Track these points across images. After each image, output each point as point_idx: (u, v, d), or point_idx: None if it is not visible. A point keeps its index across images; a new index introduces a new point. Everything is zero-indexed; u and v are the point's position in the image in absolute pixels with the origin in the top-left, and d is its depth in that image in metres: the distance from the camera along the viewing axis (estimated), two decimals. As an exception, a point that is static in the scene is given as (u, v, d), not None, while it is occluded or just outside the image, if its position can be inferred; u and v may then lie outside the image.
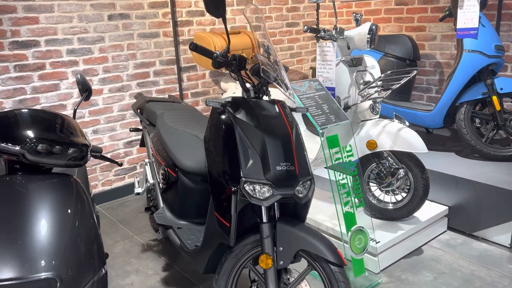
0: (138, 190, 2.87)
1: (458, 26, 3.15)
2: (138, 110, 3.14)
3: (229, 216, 1.91)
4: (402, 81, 2.66)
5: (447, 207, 3.01)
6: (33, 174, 1.40)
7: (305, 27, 2.68)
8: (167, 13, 3.89)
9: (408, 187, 2.77)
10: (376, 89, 2.70)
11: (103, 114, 3.68)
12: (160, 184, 2.67)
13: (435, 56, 4.10)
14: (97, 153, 1.87)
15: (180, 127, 2.64)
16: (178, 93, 4.09)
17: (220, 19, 2.02)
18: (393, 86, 2.71)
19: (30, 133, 1.36)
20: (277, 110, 2.04)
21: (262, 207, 1.88)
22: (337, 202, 2.38)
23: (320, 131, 2.37)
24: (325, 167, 2.92)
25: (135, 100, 3.62)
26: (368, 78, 2.87)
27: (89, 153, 1.57)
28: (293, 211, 2.01)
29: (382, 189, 2.82)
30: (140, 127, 3.35)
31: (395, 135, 2.66)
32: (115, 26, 3.62)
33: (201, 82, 4.24)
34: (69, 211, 1.36)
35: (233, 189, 1.86)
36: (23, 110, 1.40)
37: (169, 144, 2.54)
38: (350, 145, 2.48)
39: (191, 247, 2.26)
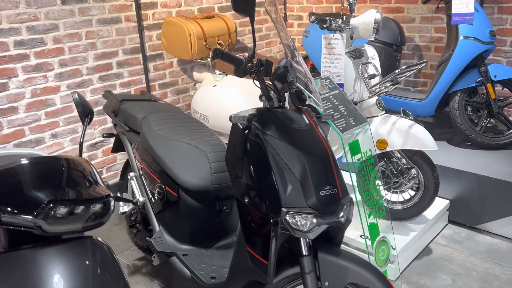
0: (123, 209, 2.49)
1: (453, 11, 3.01)
2: (113, 113, 2.70)
3: (266, 252, 1.63)
4: (409, 73, 2.48)
5: (448, 201, 2.94)
6: (44, 245, 1.02)
7: (312, 17, 2.39)
8: (129, -5, 3.39)
9: (417, 186, 2.63)
10: (386, 84, 2.49)
11: (62, 115, 3.18)
12: (154, 203, 2.31)
13: (413, 39, 3.98)
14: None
15: (173, 135, 2.28)
16: (144, 85, 3.64)
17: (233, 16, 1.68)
18: (400, 79, 2.52)
19: (42, 195, 0.98)
20: (307, 121, 1.77)
21: (302, 238, 1.62)
22: (362, 213, 2.18)
23: (343, 137, 2.13)
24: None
25: (103, 99, 3.16)
26: (371, 70, 2.66)
27: (113, 205, 1.21)
28: (329, 234, 1.78)
29: (392, 189, 2.66)
30: (115, 132, 2.91)
31: (406, 133, 2.49)
32: (70, 11, 3.08)
33: (169, 71, 3.81)
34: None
35: (271, 221, 1.58)
36: (22, 163, 1.01)
37: (165, 157, 2.18)
38: (370, 150, 2.27)
39: (208, 280, 1.96)
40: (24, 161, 1.02)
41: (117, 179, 3.59)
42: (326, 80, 2.32)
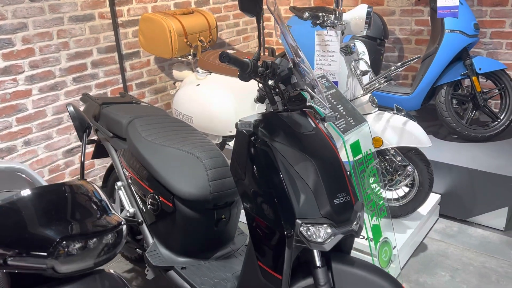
0: (112, 221, 2.33)
1: (439, 4, 2.99)
2: (93, 118, 2.53)
3: (279, 266, 1.54)
4: (401, 69, 2.44)
5: (439, 195, 2.94)
6: (53, 286, 0.89)
7: (306, 13, 2.29)
8: (102, -10, 3.19)
9: (411, 182, 2.61)
10: (380, 81, 2.44)
11: (35, 121, 2.96)
12: (146, 214, 2.17)
13: (394, 32, 3.97)
14: None
15: (164, 141, 2.14)
16: (121, 85, 3.45)
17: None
18: (392, 74, 2.48)
19: (52, 232, 0.84)
20: (313, 124, 1.68)
21: (315, 250, 1.54)
22: (365, 216, 2.12)
23: (345, 138, 2.06)
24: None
25: (81, 103, 2.95)
26: (363, 67, 2.60)
27: (126, 233, 1.08)
28: (339, 241, 1.71)
29: (386, 187, 2.62)
30: (95, 138, 2.73)
31: (401, 130, 2.45)
32: (39, 8, 2.86)
33: (146, 70, 3.64)
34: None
35: (285, 233, 1.49)
36: (23, 195, 0.87)
37: (157, 166, 2.04)
38: (370, 150, 2.21)
39: (212, 296, 1.85)
40: (25, 193, 0.88)
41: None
42: (322, 79, 2.24)
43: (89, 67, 3.20)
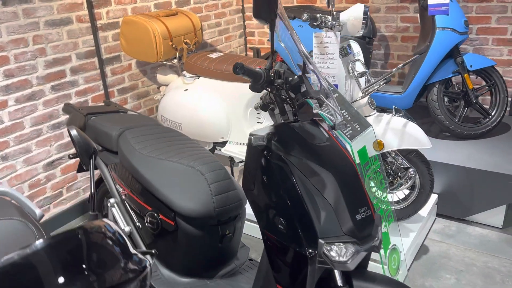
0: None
1: (430, 2, 2.95)
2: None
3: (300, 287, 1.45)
4: (395, 70, 2.39)
5: (436, 195, 2.91)
6: None
7: (305, 15, 2.20)
8: (79, -8, 3.00)
9: (412, 184, 2.56)
10: (380, 83, 2.38)
11: (12, 133, 2.76)
12: (143, 232, 2.03)
13: (379, 29, 3.92)
14: None
15: (160, 154, 2.01)
16: (102, 92, 3.28)
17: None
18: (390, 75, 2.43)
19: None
20: (326, 134, 1.59)
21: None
22: (374, 224, 2.05)
23: (353, 146, 1.98)
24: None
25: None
26: (359, 68, 2.53)
27: (150, 275, 0.96)
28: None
29: (388, 190, 2.57)
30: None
31: (401, 132, 2.40)
32: (13, 13, 2.66)
33: (128, 75, 3.47)
34: None
35: (307, 254, 1.40)
36: (36, 247, 0.74)
37: (155, 182, 1.91)
38: (376, 156, 2.14)
39: (223, 319, 1.74)
40: (40, 245, 0.75)
41: (79, 198, 3.23)
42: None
43: (68, 74, 3.02)
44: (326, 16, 2.30)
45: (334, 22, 2.28)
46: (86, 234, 0.83)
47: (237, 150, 2.94)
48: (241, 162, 3.11)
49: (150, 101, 3.69)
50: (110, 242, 0.90)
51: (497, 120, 3.11)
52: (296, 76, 1.57)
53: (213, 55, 2.99)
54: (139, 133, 2.18)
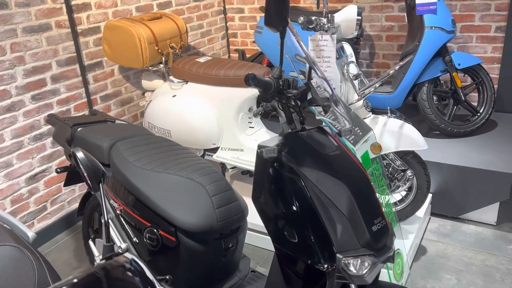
0: (99, 259, 2.08)
1: (418, 1, 2.94)
2: (66, 143, 2.25)
3: (317, 305, 1.40)
4: (392, 71, 2.37)
5: (430, 194, 2.91)
6: None
7: (301, 18, 2.14)
8: (58, -4, 2.87)
9: (409, 186, 2.55)
10: (375, 85, 2.35)
11: (-8, 147, 2.62)
12: (141, 249, 1.94)
13: (364, 28, 3.91)
14: None
15: (156, 166, 1.92)
16: (85, 99, 3.14)
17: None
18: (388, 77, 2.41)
19: None
20: (335, 142, 1.54)
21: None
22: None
23: (356, 151, 1.93)
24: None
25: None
26: (353, 70, 2.50)
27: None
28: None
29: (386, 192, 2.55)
30: (69, 164, 2.44)
31: (398, 134, 2.38)
32: (-12, 20, 2.51)
33: (110, 81, 3.34)
34: None
35: (325, 270, 1.34)
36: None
37: (153, 196, 1.82)
38: (377, 160, 2.11)
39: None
40: None
41: (64, 212, 3.10)
42: (319, 88, 2.10)
43: (48, 83, 2.88)
44: (321, 18, 2.25)
45: (329, 25, 2.24)
46: (107, 274, 0.76)
47: (229, 156, 2.86)
48: (232, 168, 3.04)
49: (134, 107, 3.57)
50: (130, 274, 0.83)
51: (486, 117, 3.14)
52: (303, 83, 1.51)
53: (201, 60, 2.91)
54: (131, 144, 2.08)
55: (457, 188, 2.83)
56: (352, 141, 1.95)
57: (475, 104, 3.22)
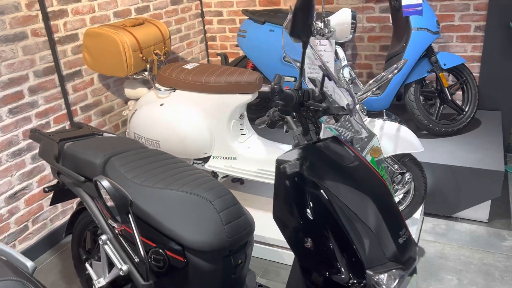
0: (100, 283, 1.95)
1: (404, 3, 2.96)
2: (54, 159, 2.11)
3: (346, 323, 1.34)
4: (391, 74, 2.35)
5: (417, 193, 2.92)
6: None
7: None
8: (33, 3, 2.70)
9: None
10: (373, 90, 2.33)
11: (-33, 167, 2.43)
12: (144, 270, 1.83)
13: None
14: None
15: (156, 183, 1.82)
16: (65, 111, 2.98)
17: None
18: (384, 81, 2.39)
19: None
20: (351, 152, 1.50)
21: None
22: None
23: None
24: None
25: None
26: (347, 74, 2.47)
27: None
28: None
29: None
30: (55, 182, 2.30)
31: (396, 137, 2.37)
32: (-41, 30, 2.33)
33: (90, 90, 3.19)
34: None
35: (354, 287, 1.29)
36: None
37: (158, 214, 1.72)
38: (382, 166, 2.08)
39: None
40: None
41: (46, 231, 2.93)
42: (323, 93, 2.05)
43: (26, 95, 2.71)
44: (317, 22, 2.20)
45: (326, 29, 2.20)
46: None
47: (222, 165, 2.78)
48: (224, 176, 2.96)
49: (115, 117, 3.43)
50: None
51: (471, 116, 3.19)
52: (319, 92, 1.46)
53: (189, 66, 2.81)
54: (127, 160, 1.97)
55: (450, 188, 2.85)
56: (359, 149, 1.92)
57: (459, 103, 3.27)
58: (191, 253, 1.69)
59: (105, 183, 1.33)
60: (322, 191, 1.33)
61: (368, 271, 1.28)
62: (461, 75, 3.21)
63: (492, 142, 3.07)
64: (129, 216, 1.36)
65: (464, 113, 3.20)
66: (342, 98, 1.50)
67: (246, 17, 3.54)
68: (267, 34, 3.35)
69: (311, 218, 1.33)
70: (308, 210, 1.34)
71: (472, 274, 2.44)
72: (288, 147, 2.79)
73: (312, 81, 1.68)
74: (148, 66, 2.89)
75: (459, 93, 3.39)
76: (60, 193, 2.32)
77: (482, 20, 3.46)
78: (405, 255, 1.36)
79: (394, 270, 1.31)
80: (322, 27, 2.21)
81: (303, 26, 1.25)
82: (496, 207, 2.98)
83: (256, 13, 3.44)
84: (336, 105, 1.50)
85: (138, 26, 2.88)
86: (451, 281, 2.41)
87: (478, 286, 2.36)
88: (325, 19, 2.22)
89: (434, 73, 3.14)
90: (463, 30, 3.55)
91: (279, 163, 1.39)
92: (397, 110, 3.51)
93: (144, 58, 2.82)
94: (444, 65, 3.10)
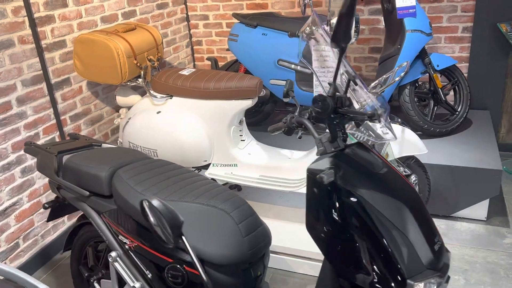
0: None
1: (398, 5, 2.97)
2: (55, 174, 2.00)
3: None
4: (398, 77, 2.35)
5: (421, 195, 2.94)
6: None
7: (307, 29, 2.05)
8: (19, 9, 2.57)
9: (410, 190, 2.55)
10: (377, 93, 2.32)
11: (-45, 183, 2.28)
12: (158, 286, 1.75)
13: (335, 32, 3.90)
14: None
15: (170, 195, 1.75)
16: (54, 121, 2.85)
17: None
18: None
19: None
20: (379, 159, 1.47)
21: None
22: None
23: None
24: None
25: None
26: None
27: None
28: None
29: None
30: (55, 196, 2.18)
31: (400, 140, 2.36)
32: None
33: (79, 99, 3.06)
34: None
35: (395, 298, 1.26)
36: None
37: (174, 229, 1.65)
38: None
39: None
40: None
41: (37, 247, 2.79)
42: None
43: (14, 105, 2.57)
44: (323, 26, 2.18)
45: (331, 33, 2.17)
46: None
47: (223, 173, 2.72)
48: (224, 184, 2.89)
49: (104, 126, 3.31)
50: None
51: (464, 116, 3.23)
52: (345, 97, 1.42)
53: (185, 72, 2.74)
54: (134, 172, 1.88)
55: (449, 187, 2.88)
56: (375, 153, 1.89)
57: (451, 103, 3.31)
58: (211, 268, 1.63)
59: (156, 202, 1.24)
60: (357, 200, 1.29)
61: (409, 281, 1.25)
62: (453, 75, 3.25)
63: (486, 141, 3.12)
64: (183, 237, 1.28)
65: (457, 113, 3.25)
66: (368, 103, 1.47)
67: (236, 21, 3.49)
68: (259, 37, 3.31)
69: (347, 228, 1.30)
70: (344, 220, 1.30)
71: (478, 274, 2.46)
72: (288, 152, 2.75)
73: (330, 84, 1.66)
74: (142, 72, 2.79)
75: (451, 93, 3.43)
76: (58, 208, 2.21)
77: (470, 21, 3.52)
78: (440, 262, 1.34)
79: (433, 278, 1.28)
80: (329, 31, 2.18)
81: (345, 31, 1.21)
82: (493, 205, 3.02)
83: (247, 16, 3.39)
84: (369, 111, 1.47)
85: (130, 32, 2.78)
86: (458, 281, 2.42)
87: (485, 285, 2.38)
88: (332, 23, 2.19)
89: (427, 74, 3.17)
90: (451, 31, 3.60)
91: (312, 172, 1.35)
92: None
93: (138, 64, 2.72)
94: (437, 66, 3.13)
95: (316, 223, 1.34)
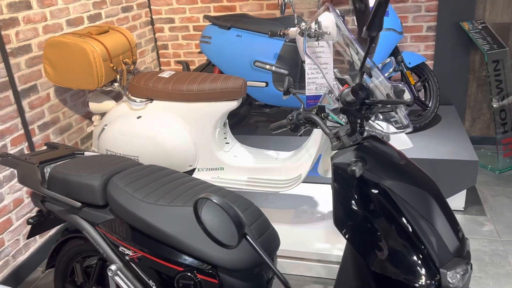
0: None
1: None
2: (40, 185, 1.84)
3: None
4: (387, 74, 2.39)
5: (403, 189, 3.00)
6: None
7: (303, 24, 2.03)
8: (-18, 10, 2.37)
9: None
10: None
11: None
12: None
13: (304, 33, 3.93)
14: None
15: (173, 201, 1.66)
16: (22, 131, 2.65)
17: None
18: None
19: None
20: (394, 150, 1.48)
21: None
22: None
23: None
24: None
25: (10, 170, 2.14)
26: (337, 76, 2.47)
27: None
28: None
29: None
30: (37, 210, 2.01)
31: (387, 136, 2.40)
32: None
33: (47, 107, 2.87)
34: None
35: (427, 286, 1.26)
36: None
37: (182, 235, 1.57)
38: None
39: None
40: None
41: (9, 269, 2.57)
42: (330, 94, 2.01)
43: (-21, 115, 2.36)
44: (310, 26, 2.18)
45: (320, 31, 2.18)
46: None
47: (209, 177, 2.64)
48: (209, 189, 2.80)
49: (74, 135, 3.12)
50: None
51: (435, 111, 3.35)
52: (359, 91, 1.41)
53: (165, 75, 2.64)
54: (130, 179, 1.78)
55: (428, 180, 2.95)
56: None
57: (423, 99, 3.42)
58: (225, 273, 1.56)
59: (217, 199, 1.12)
60: (385, 191, 1.28)
61: (442, 270, 1.25)
62: (423, 72, 3.36)
63: (457, 134, 3.24)
64: (247, 237, 1.19)
65: (428, 108, 3.36)
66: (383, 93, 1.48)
67: (207, 23, 3.42)
68: (234, 39, 3.27)
69: (379, 220, 1.28)
70: (375, 212, 1.28)
71: (481, 267, 2.54)
72: (274, 153, 2.72)
73: (341, 80, 1.64)
74: (118, 76, 2.66)
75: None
76: (40, 224, 2.04)
77: (433, 20, 3.67)
78: (464, 249, 1.35)
79: (461, 266, 1.29)
80: (316, 29, 2.18)
81: (380, 19, 1.19)
82: (468, 196, 3.14)
83: (220, 18, 3.34)
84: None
85: (104, 34, 2.64)
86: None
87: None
88: (319, 21, 2.19)
89: (398, 72, 3.26)
90: (416, 30, 3.73)
91: (338, 167, 1.32)
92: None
93: (114, 68, 2.59)
94: (409, 63, 3.23)
95: (345, 218, 1.32)
